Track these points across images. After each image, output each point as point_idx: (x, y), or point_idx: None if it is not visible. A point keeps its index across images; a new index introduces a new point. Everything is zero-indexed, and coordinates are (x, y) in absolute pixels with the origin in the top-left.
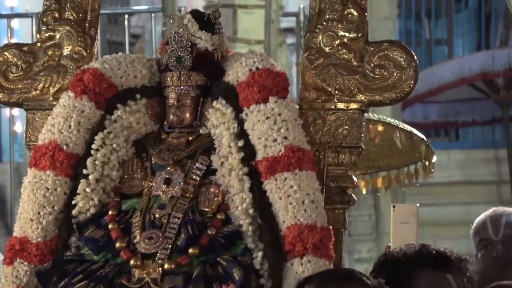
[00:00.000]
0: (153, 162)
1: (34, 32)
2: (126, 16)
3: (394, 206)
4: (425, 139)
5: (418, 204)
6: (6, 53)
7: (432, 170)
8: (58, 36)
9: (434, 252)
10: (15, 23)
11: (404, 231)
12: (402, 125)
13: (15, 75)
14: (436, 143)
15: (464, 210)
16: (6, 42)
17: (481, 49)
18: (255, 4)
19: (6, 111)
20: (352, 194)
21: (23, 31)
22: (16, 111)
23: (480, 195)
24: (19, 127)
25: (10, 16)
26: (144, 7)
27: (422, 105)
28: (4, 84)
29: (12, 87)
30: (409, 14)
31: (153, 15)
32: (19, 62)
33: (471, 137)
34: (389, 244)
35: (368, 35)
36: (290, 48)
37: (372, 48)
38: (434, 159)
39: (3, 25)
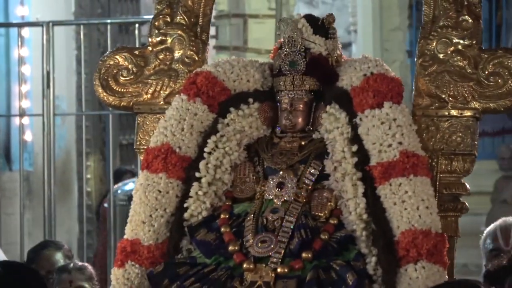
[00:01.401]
0: (265, 166)
1: (44, 41)
2: (137, 25)
3: None
4: None
5: None
6: (117, 57)
7: None
8: (169, 40)
9: None
10: (26, 32)
11: None
12: None
13: (126, 78)
14: None
15: (473, 220)
16: (16, 51)
17: None
18: (265, 13)
19: (16, 119)
20: (465, 202)
21: (34, 40)
22: (26, 119)
23: (489, 206)
24: (29, 136)
25: (20, 25)
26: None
27: None
28: (115, 88)
29: (122, 90)
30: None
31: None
32: (130, 66)
33: (481, 148)
34: None
35: (379, 45)
36: None
37: (486, 55)
38: None
39: (13, 34)
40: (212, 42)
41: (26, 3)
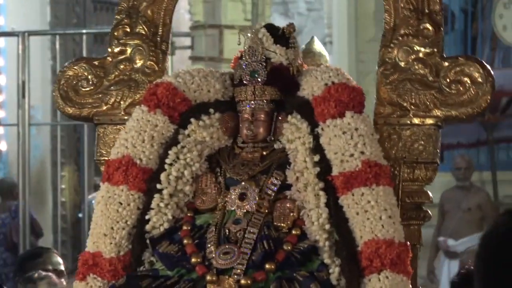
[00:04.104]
0: (227, 177)
1: (20, 51)
2: None
3: None
4: None
5: None
6: (76, 67)
7: None
8: (129, 50)
9: None
10: (1, 41)
11: None
12: None
13: (86, 89)
14: None
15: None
16: None
17: None
18: (241, 24)
19: None
20: (428, 210)
21: (9, 50)
22: (0, 129)
23: None
24: (3, 146)
25: None
26: None
27: None
28: (74, 99)
29: (82, 101)
30: None
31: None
32: (89, 77)
33: None
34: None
35: (355, 56)
36: None
37: (447, 63)
38: None
39: None
40: (187, 52)
41: (1, 13)
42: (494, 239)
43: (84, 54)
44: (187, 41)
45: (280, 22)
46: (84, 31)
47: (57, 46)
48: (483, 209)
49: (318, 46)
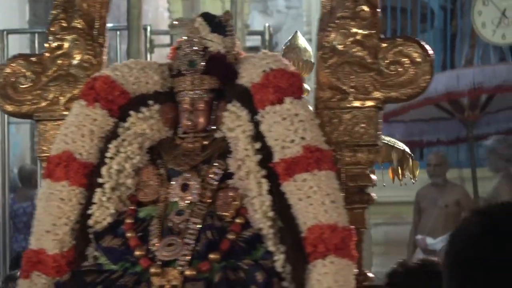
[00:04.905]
0: (168, 168)
1: None
2: None
3: None
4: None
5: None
6: (13, 64)
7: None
8: (66, 45)
9: None
10: None
11: None
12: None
13: (24, 86)
14: None
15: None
16: None
17: (446, 69)
18: None
19: None
20: (372, 193)
21: None
22: None
23: None
24: None
25: None
26: (109, 25)
27: (387, 124)
28: (13, 96)
29: (21, 98)
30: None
31: (118, 33)
32: (27, 73)
33: None
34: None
35: None
36: None
37: (386, 44)
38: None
39: None
40: (166, 50)
41: None
42: (466, 238)
43: None
44: (166, 39)
45: (259, 19)
46: None
47: (36, 44)
48: (462, 204)
49: (302, 41)
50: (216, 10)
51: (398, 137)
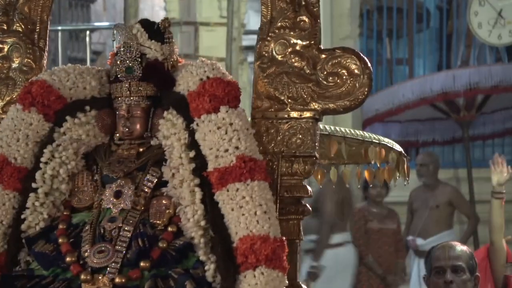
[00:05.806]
0: (103, 174)
1: None
2: (88, 32)
3: None
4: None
5: None
6: None
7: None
8: (6, 48)
9: None
10: None
11: None
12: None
13: None
14: None
15: None
16: None
17: (442, 69)
18: (217, 22)
19: None
20: (307, 205)
21: None
22: None
23: None
24: None
25: None
26: (106, 24)
27: (382, 124)
28: None
29: None
30: (371, 34)
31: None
32: None
33: None
34: None
35: None
36: (252, 66)
37: (324, 56)
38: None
39: None
40: None
41: None
42: None
43: (60, 50)
44: None
45: (255, 19)
46: (59, 28)
47: None
48: (454, 204)
49: None
50: (213, 9)
51: (393, 137)
